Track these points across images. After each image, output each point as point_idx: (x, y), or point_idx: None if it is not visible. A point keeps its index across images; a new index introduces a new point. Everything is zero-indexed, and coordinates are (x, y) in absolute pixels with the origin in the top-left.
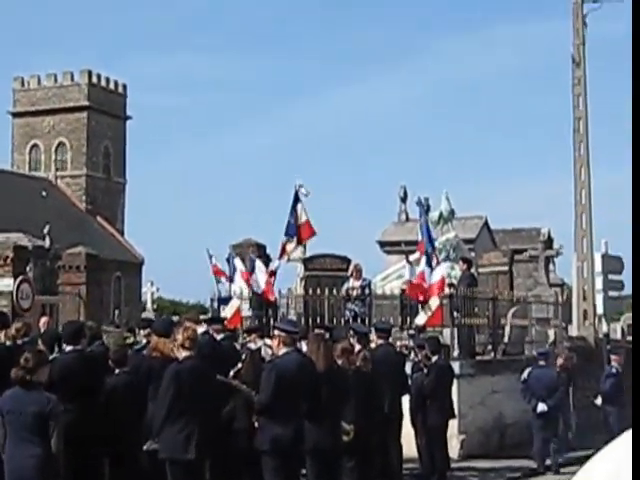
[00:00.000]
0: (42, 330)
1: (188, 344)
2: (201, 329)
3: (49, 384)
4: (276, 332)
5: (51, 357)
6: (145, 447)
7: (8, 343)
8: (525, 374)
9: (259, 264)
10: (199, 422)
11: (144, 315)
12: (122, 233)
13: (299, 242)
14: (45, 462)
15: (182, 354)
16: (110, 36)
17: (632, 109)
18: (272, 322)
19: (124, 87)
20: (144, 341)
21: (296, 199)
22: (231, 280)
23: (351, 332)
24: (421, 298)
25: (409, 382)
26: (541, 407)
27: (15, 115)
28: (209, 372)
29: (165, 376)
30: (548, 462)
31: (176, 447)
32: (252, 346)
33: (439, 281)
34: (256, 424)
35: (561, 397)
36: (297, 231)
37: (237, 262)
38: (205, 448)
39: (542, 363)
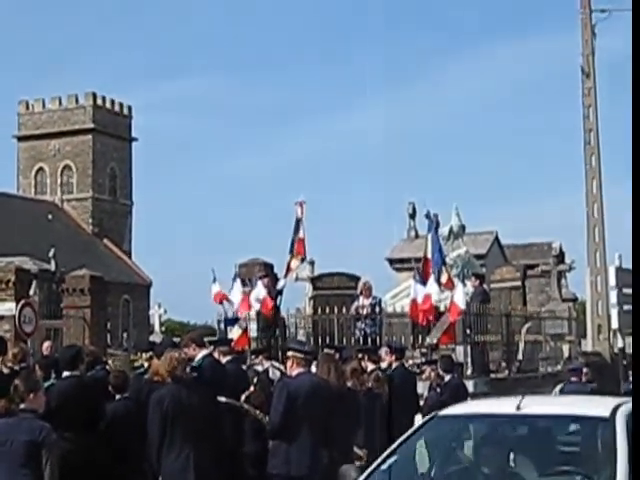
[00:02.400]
0: (45, 354)
1: (171, 371)
2: (204, 351)
3: (46, 412)
4: (290, 353)
5: (47, 383)
6: None
7: (5, 370)
8: (556, 389)
9: (260, 285)
10: (194, 447)
11: (152, 338)
12: (129, 255)
13: (296, 255)
14: None
15: (167, 380)
16: (114, 59)
17: (632, 111)
18: (280, 343)
19: (129, 109)
20: (146, 365)
21: (297, 216)
22: (229, 301)
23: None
24: (423, 321)
25: (421, 403)
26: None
27: (20, 139)
28: (200, 396)
29: (150, 405)
30: None
31: (175, 475)
32: (259, 368)
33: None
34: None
35: None
36: (295, 246)
37: (236, 285)
38: (205, 473)
39: (574, 379)
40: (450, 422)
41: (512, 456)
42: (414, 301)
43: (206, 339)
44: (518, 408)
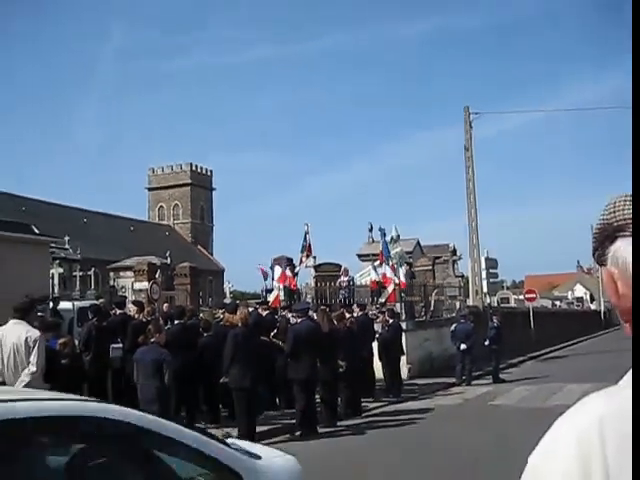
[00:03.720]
0: (165, 311)
1: (241, 319)
2: (251, 309)
3: (165, 343)
4: (295, 312)
5: (166, 327)
6: (221, 380)
7: (143, 319)
8: (453, 327)
9: (287, 270)
10: (251, 364)
11: (225, 301)
12: (212, 254)
13: (307, 256)
14: (161, 392)
15: (239, 324)
16: (200, 140)
17: (632, 114)
18: (296, 303)
19: (211, 172)
20: (221, 316)
21: (305, 233)
22: (272, 279)
23: (354, 306)
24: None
25: (376, 335)
26: (463, 346)
27: (150, 189)
28: (255, 335)
29: (228, 338)
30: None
31: (238, 380)
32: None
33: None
34: None
35: (474, 340)
36: (306, 248)
37: (276, 268)
38: (256, 380)
39: (462, 321)
40: None
41: None
42: (372, 281)
43: (254, 301)
44: None
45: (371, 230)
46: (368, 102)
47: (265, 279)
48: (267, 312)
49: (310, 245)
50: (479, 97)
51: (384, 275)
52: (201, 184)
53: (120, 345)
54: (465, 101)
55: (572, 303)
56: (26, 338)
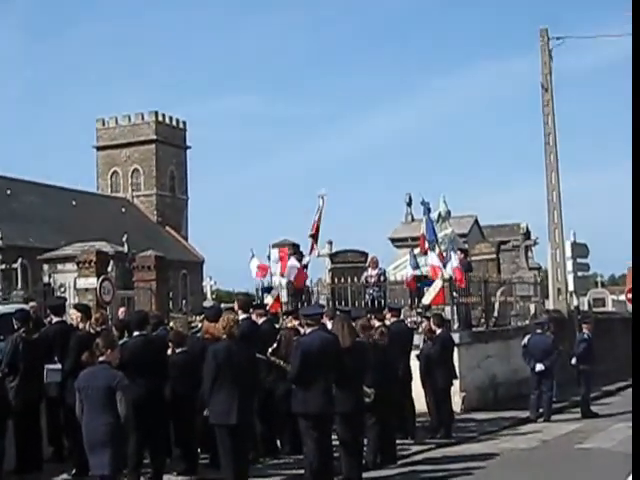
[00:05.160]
0: (120, 318)
1: (227, 330)
2: (244, 315)
3: (120, 363)
4: (302, 319)
5: (122, 341)
6: (205, 413)
7: (92, 331)
8: (525, 340)
9: (293, 260)
10: (239, 392)
11: (205, 304)
12: (186, 239)
13: (316, 241)
14: (114, 431)
15: (223, 336)
16: (171, 82)
17: (632, 110)
18: (305, 306)
19: (184, 123)
20: (199, 325)
21: (319, 209)
22: (271, 274)
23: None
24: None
25: (417, 352)
26: (539, 367)
27: (98, 149)
28: (245, 350)
29: (207, 355)
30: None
31: (222, 414)
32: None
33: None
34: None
35: (554, 359)
36: (314, 226)
37: (276, 258)
38: (245, 413)
39: (539, 331)
40: None
41: None
42: (412, 275)
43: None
44: None
45: (410, 204)
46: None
47: (263, 276)
48: (264, 319)
49: (317, 225)
50: (557, 19)
51: (434, 267)
52: (171, 141)
53: (58, 366)
54: (541, 21)
55: None
56: None
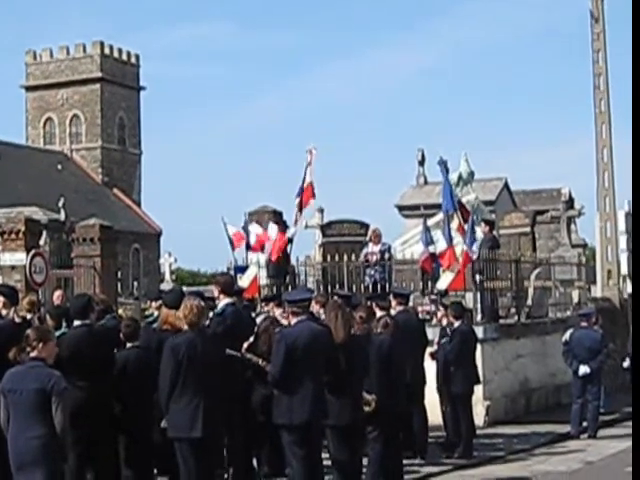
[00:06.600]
0: (56, 304)
1: (189, 319)
2: (228, 300)
3: (57, 361)
4: (286, 305)
5: (59, 333)
6: (162, 424)
7: (17, 319)
8: (567, 335)
9: (272, 227)
10: (205, 397)
11: (162, 287)
12: (139, 204)
13: (300, 208)
14: (48, 445)
15: (184, 327)
16: (120, 7)
17: (632, 111)
18: (289, 290)
19: (137, 57)
20: (155, 313)
21: (307, 165)
22: (248, 247)
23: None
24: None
25: (435, 348)
26: (583, 370)
27: (28, 89)
28: (214, 345)
29: (165, 350)
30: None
31: (183, 424)
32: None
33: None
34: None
35: (603, 360)
36: (300, 195)
37: (252, 226)
38: (213, 424)
39: (584, 324)
40: None
41: None
42: (425, 253)
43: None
44: None
45: (422, 163)
46: None
47: (233, 248)
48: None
49: (312, 188)
50: None
51: (451, 247)
52: (120, 80)
53: None
54: None
55: None
56: None
